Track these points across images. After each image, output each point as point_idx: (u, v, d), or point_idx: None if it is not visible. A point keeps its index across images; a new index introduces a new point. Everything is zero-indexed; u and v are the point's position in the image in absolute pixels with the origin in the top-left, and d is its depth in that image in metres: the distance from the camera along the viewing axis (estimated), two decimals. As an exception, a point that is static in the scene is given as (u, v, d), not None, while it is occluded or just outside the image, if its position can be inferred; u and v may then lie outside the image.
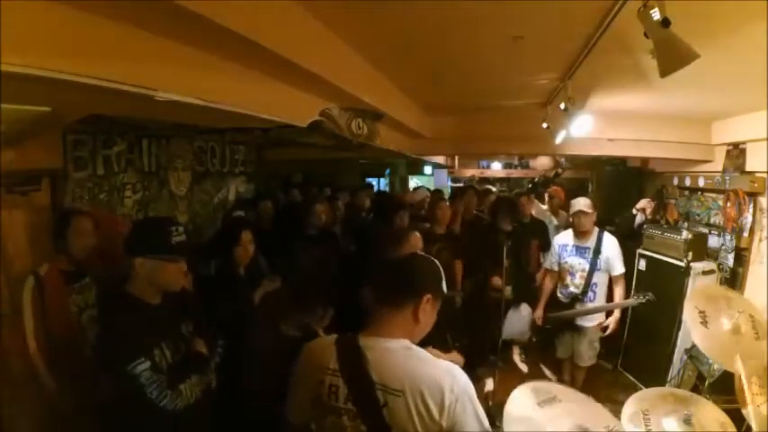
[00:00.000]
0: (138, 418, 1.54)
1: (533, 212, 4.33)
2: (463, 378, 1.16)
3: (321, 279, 2.96)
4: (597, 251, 3.28)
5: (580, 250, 3.34)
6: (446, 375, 1.14)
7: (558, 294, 3.49)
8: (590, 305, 3.32)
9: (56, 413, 1.93)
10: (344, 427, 1.17)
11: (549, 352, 3.72)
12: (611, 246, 3.30)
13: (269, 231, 3.31)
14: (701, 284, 3.42)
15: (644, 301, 3.28)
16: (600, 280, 3.29)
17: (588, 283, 3.29)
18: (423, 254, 1.41)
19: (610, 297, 3.36)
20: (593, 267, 3.27)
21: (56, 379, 1.92)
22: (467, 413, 1.12)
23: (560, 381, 3.52)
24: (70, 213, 2.10)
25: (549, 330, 3.52)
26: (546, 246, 3.97)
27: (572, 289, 3.36)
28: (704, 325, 2.23)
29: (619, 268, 3.30)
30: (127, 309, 1.61)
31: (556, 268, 3.48)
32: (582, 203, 3.29)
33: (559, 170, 6.75)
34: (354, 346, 1.20)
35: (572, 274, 3.36)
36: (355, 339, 1.22)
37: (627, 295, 3.40)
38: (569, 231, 3.45)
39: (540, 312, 3.51)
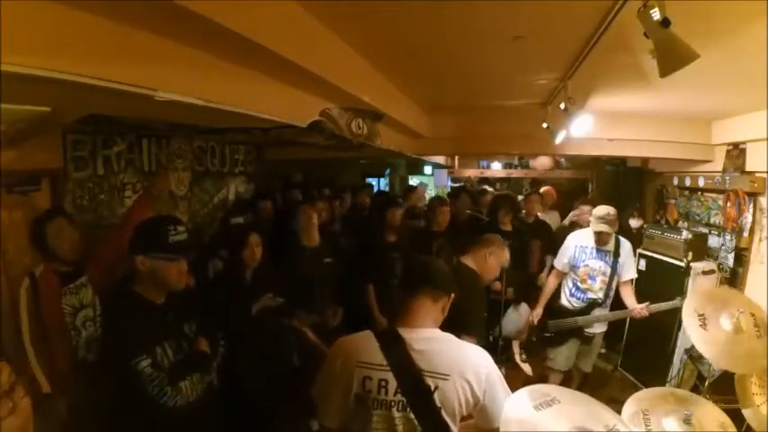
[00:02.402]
0: (139, 415, 1.55)
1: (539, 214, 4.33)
2: (488, 355, 1.34)
3: (323, 279, 2.98)
4: (617, 255, 3.17)
5: (601, 253, 3.20)
6: (479, 355, 1.32)
7: (568, 300, 3.32)
8: (607, 311, 3.22)
9: (51, 414, 1.93)
10: (393, 418, 1.24)
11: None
12: (627, 249, 3.23)
13: (269, 232, 3.31)
14: (699, 285, 3.43)
15: None
16: (615, 285, 3.21)
17: (609, 288, 3.18)
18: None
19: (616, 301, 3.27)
20: (614, 271, 3.16)
21: (50, 380, 1.92)
22: (497, 384, 1.29)
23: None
24: (43, 221, 2.02)
25: (550, 337, 3.33)
26: (549, 248, 3.94)
27: (591, 294, 3.21)
28: (703, 328, 2.22)
29: (632, 272, 3.24)
30: (131, 307, 1.63)
31: (567, 270, 3.32)
32: (605, 220, 3.08)
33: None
34: (398, 339, 1.27)
35: (592, 278, 3.21)
36: (397, 333, 1.29)
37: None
38: (587, 232, 3.27)
39: (540, 310, 3.32)
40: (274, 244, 2.90)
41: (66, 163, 2.40)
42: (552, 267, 3.45)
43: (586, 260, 3.24)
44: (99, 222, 2.63)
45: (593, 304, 3.21)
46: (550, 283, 3.41)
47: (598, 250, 3.22)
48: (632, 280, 3.27)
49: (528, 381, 2.51)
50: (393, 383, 1.23)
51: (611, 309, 3.27)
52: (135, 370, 1.50)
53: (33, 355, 1.91)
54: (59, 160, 2.34)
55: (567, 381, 3.49)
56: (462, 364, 1.26)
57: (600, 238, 3.17)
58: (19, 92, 1.23)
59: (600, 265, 3.20)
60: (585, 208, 4.14)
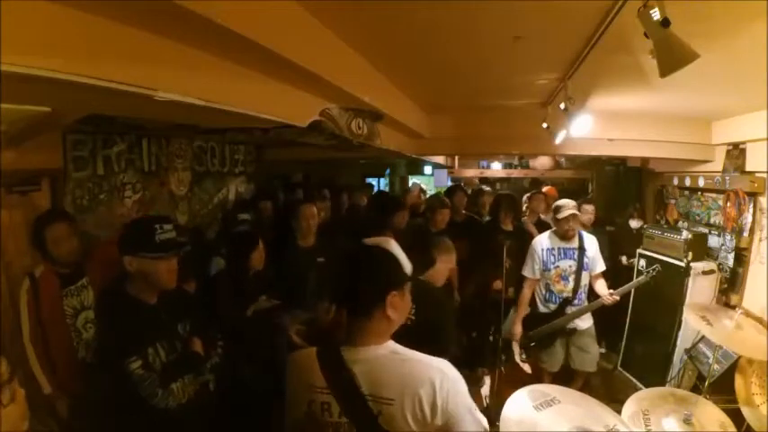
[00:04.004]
0: (132, 416, 1.56)
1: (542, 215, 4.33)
2: (452, 372, 1.16)
3: (320, 279, 2.97)
4: (582, 250, 3.24)
5: (568, 252, 3.25)
6: (435, 372, 1.14)
7: (545, 305, 3.35)
8: (578, 307, 3.25)
9: (53, 415, 1.93)
10: None
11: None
12: (592, 243, 3.29)
13: (269, 232, 3.31)
14: (698, 287, 3.44)
15: (654, 274, 3.24)
16: (586, 280, 3.27)
17: (578, 285, 3.23)
18: (373, 246, 1.29)
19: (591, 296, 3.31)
20: (581, 268, 3.23)
21: (50, 381, 1.92)
22: (459, 407, 1.13)
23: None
24: (43, 224, 2.02)
25: (537, 344, 3.36)
26: None
27: (564, 294, 3.26)
28: (710, 325, 2.28)
29: (602, 265, 3.30)
30: (123, 308, 1.63)
31: (539, 276, 3.33)
32: (571, 206, 3.20)
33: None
34: (339, 361, 1.17)
35: (565, 279, 3.26)
36: (338, 354, 1.18)
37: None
38: (549, 234, 3.34)
39: (518, 329, 3.31)
40: (273, 243, 2.91)
41: (66, 163, 2.40)
42: (524, 278, 3.39)
43: (556, 262, 3.27)
44: (99, 222, 2.63)
45: (564, 302, 3.26)
46: (525, 296, 3.38)
47: (565, 250, 3.26)
48: (603, 273, 3.31)
49: (527, 380, 2.50)
50: (336, 407, 1.16)
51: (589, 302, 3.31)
52: (126, 371, 1.51)
53: (34, 355, 1.91)
54: (59, 160, 2.34)
55: (569, 382, 3.50)
56: (410, 386, 1.11)
57: (568, 228, 3.19)
58: (19, 92, 1.23)
59: (570, 264, 3.25)
60: (588, 207, 4.15)
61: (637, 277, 4.01)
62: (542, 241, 3.36)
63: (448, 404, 1.11)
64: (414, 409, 1.10)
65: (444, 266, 2.26)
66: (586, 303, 3.29)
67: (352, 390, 1.14)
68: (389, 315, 1.18)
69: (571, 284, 3.24)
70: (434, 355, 1.68)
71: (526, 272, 3.38)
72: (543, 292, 3.36)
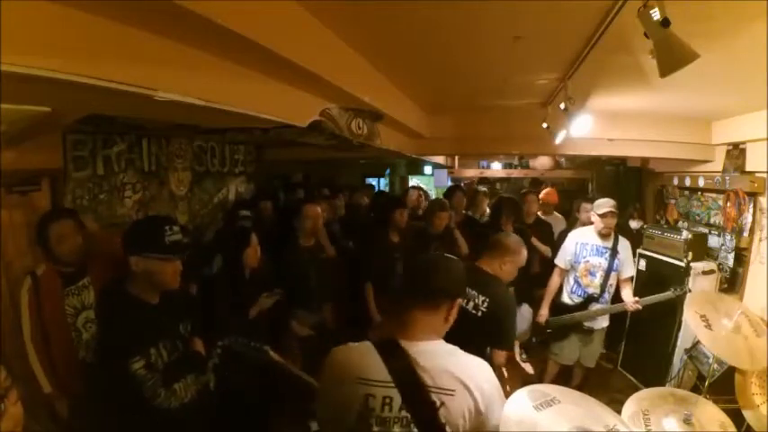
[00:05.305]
0: (133, 416, 1.55)
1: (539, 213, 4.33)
2: (490, 368, 1.29)
3: (322, 278, 2.98)
4: (615, 251, 3.27)
5: (600, 250, 3.29)
6: (483, 368, 1.27)
7: (570, 297, 3.39)
8: (603, 306, 3.29)
9: (52, 415, 1.93)
10: None
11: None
12: (626, 247, 3.33)
13: (270, 231, 3.31)
14: (698, 287, 3.44)
15: (681, 293, 3.27)
16: (614, 281, 3.29)
17: (606, 284, 3.27)
18: (452, 257, 1.40)
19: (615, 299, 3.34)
20: (611, 268, 3.26)
21: (51, 380, 1.92)
22: (498, 399, 1.25)
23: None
24: (47, 221, 2.01)
25: (552, 333, 3.42)
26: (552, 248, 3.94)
27: (591, 290, 3.29)
28: (708, 328, 2.27)
29: (631, 270, 3.34)
30: (125, 308, 1.63)
31: (569, 267, 3.39)
32: (610, 204, 3.25)
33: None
34: (403, 353, 1.22)
35: (593, 274, 3.29)
36: (401, 347, 1.23)
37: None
38: (589, 229, 3.38)
39: (545, 311, 3.40)
40: (274, 243, 2.91)
41: (66, 163, 2.40)
42: (554, 266, 3.51)
43: (587, 256, 3.32)
44: (99, 222, 2.63)
45: (589, 299, 3.30)
46: (553, 282, 3.47)
47: (598, 247, 3.30)
48: (632, 278, 3.34)
49: (528, 380, 2.49)
50: (398, 400, 1.18)
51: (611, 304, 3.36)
52: (129, 371, 1.50)
53: (34, 354, 1.91)
54: (59, 160, 2.34)
55: (568, 378, 3.50)
56: (467, 379, 1.20)
57: (608, 227, 3.22)
58: (19, 92, 1.23)
59: (600, 262, 3.28)
60: (588, 206, 4.15)
61: (637, 276, 4.01)
62: (577, 234, 3.43)
63: (492, 397, 1.23)
64: (469, 400, 1.19)
65: (513, 267, 2.31)
66: (610, 305, 3.33)
67: (415, 381, 1.19)
68: (448, 318, 1.29)
69: (598, 281, 3.28)
70: (497, 348, 2.00)
71: (557, 260, 3.48)
72: (571, 283, 3.40)
